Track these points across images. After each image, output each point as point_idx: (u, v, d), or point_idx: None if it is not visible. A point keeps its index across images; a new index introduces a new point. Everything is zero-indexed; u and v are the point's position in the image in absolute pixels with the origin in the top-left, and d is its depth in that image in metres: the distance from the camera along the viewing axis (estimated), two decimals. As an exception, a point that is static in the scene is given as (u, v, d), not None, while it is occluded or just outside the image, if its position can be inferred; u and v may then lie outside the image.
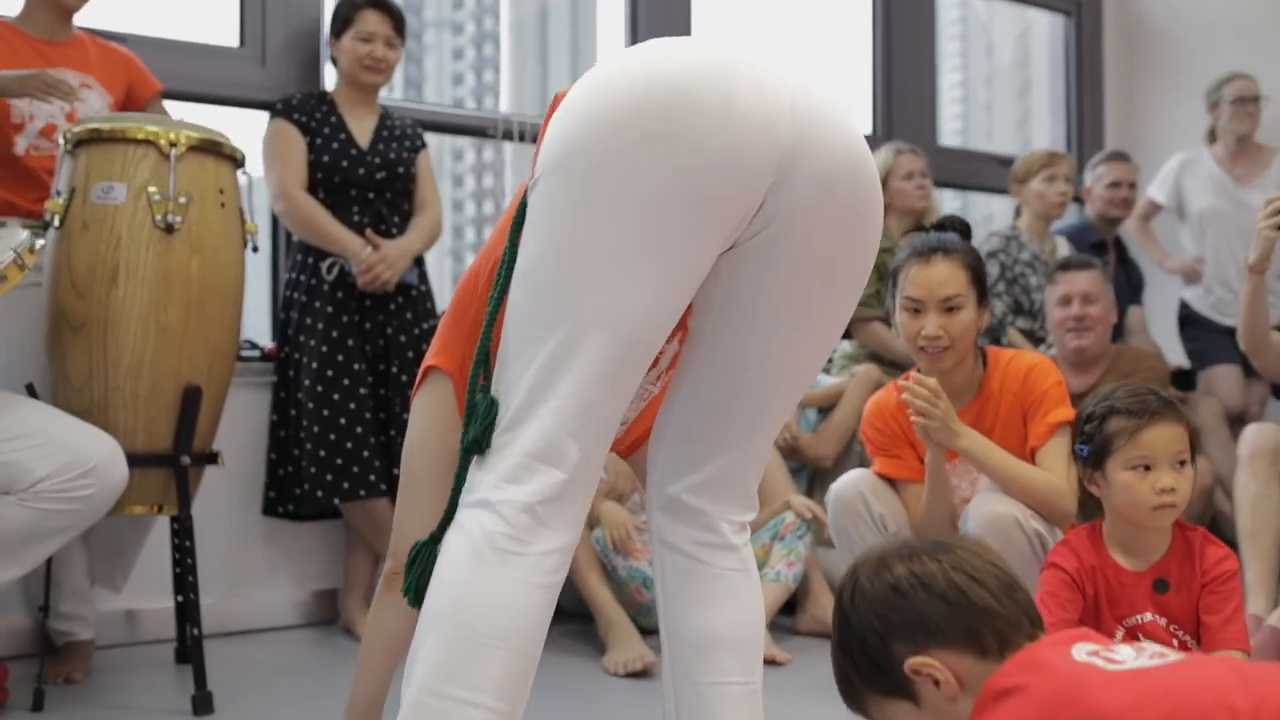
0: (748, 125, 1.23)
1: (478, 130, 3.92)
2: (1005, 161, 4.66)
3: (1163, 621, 1.98)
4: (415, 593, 1.30)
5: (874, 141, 4.44)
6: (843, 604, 1.25)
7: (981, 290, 2.46)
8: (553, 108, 1.33)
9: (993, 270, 4.06)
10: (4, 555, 2.13)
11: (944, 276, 2.41)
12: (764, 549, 3.13)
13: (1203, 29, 5.12)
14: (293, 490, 3.16)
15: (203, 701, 2.39)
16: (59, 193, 2.46)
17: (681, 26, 4.30)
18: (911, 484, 2.55)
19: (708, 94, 1.22)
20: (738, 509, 1.47)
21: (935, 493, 2.45)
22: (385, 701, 1.73)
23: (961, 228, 2.55)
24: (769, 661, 2.74)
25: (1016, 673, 1.11)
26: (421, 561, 1.30)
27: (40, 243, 2.24)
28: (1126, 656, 1.09)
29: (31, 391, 2.50)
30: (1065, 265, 3.63)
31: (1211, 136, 4.57)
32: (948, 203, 5.08)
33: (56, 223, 2.43)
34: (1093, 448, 2.00)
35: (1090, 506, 2.19)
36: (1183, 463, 1.94)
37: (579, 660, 2.85)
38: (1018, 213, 4.32)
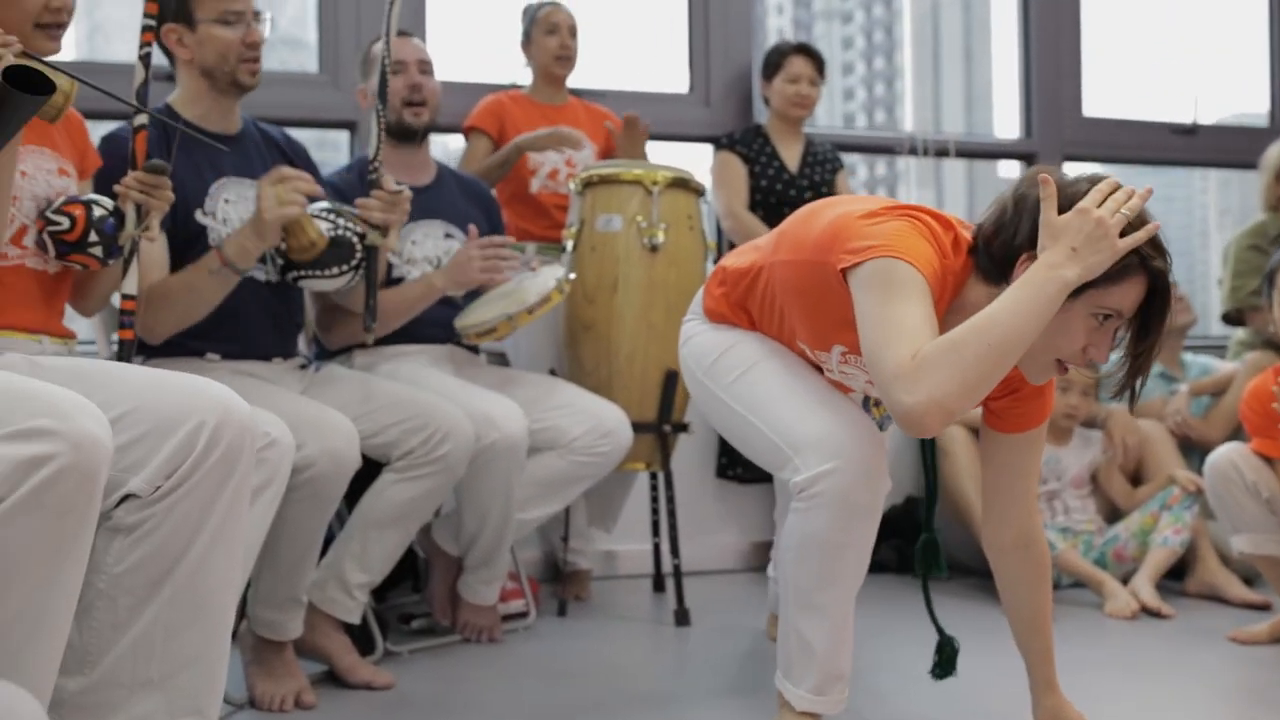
0: None
1: (886, 148, 4.48)
2: None
3: None
4: None
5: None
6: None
7: (1350, 290, 2.73)
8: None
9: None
10: (550, 495, 2.90)
11: (1315, 278, 2.71)
12: (1152, 517, 3.47)
13: None
14: (742, 455, 3.81)
15: (682, 615, 3.08)
16: (571, 224, 3.22)
17: (1070, 28, 4.66)
18: (1285, 462, 2.85)
19: None
20: None
21: None
22: None
23: None
24: (1154, 613, 3.13)
25: None
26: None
27: (573, 275, 2.99)
28: None
29: (553, 375, 3.28)
30: None
31: None
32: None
33: (570, 247, 3.18)
34: None
35: None
36: None
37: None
38: None
